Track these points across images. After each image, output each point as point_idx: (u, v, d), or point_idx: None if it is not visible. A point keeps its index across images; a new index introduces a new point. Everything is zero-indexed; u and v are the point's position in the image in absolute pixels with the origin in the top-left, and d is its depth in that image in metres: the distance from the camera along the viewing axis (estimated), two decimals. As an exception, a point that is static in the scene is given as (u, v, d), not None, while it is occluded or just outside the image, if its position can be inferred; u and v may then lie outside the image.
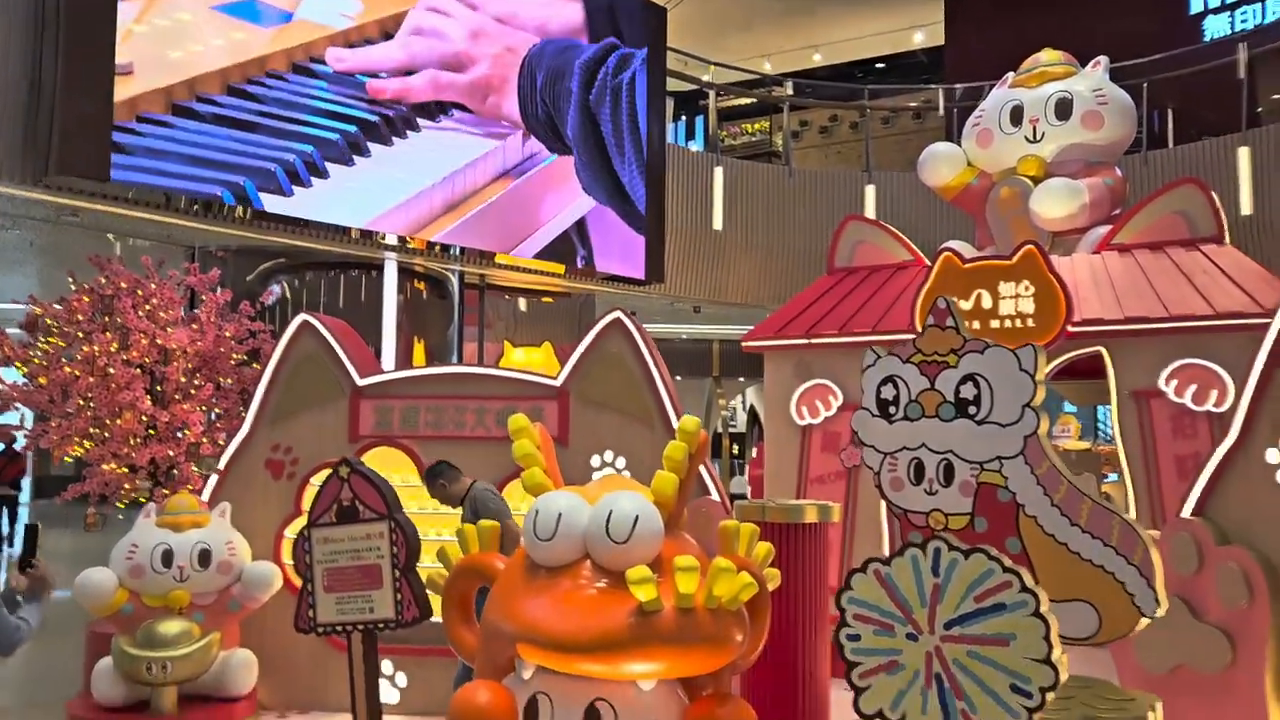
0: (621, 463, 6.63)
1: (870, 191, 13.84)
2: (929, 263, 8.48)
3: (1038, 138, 8.75)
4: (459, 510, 5.59)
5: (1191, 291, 6.95)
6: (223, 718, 6.00)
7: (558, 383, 6.74)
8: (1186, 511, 5.10)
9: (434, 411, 6.82)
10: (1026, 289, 7.20)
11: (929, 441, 3.74)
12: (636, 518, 3.11)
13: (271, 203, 9.29)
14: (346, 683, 6.54)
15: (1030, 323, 7.19)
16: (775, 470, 8.24)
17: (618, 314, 6.75)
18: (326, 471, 6.41)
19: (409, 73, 10.60)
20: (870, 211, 13.83)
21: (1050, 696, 2.36)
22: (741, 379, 19.25)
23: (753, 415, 21.33)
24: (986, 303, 7.35)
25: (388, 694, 6.63)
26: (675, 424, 6.63)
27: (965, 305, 7.43)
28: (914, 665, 2.52)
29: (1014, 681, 2.39)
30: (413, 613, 3.68)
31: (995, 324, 7.32)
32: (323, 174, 9.64)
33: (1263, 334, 6.59)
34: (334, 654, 6.66)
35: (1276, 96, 16.10)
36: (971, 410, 3.64)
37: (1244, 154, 11.56)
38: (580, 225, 11.63)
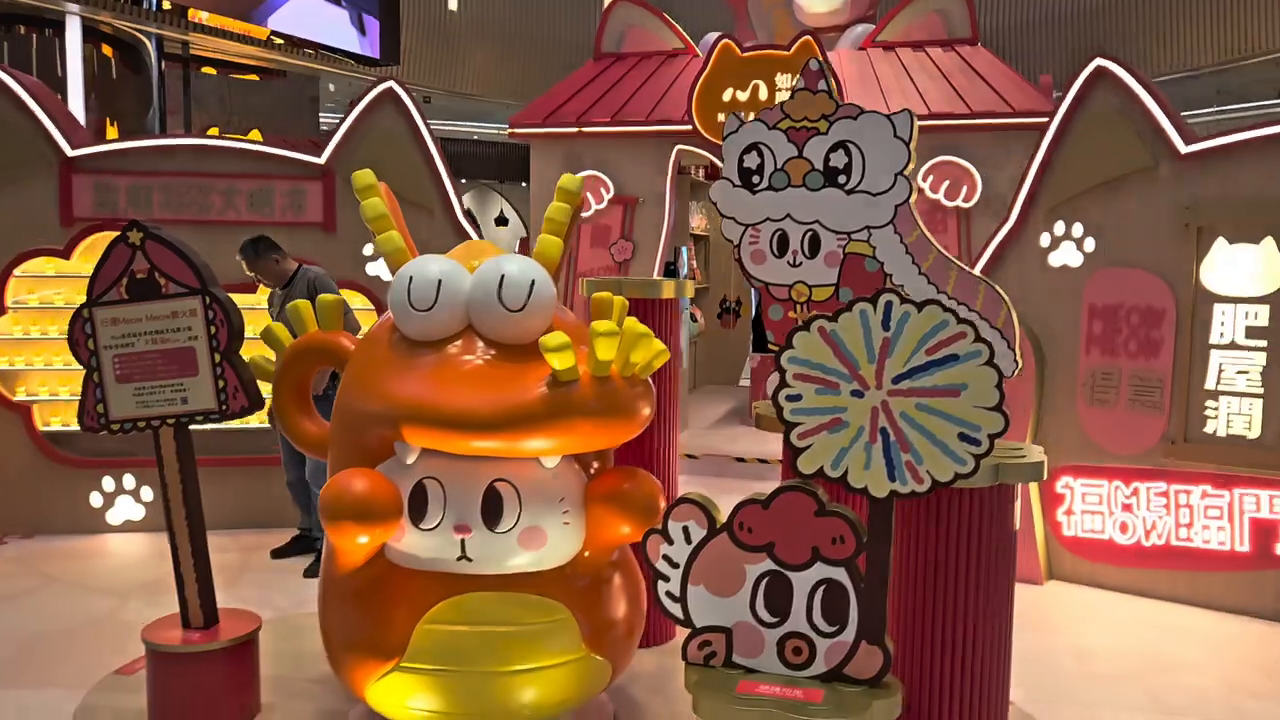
0: (398, 251, 6.08)
1: (609, -18, 13.25)
2: (699, 51, 8.31)
3: (803, -71, 8.65)
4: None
5: (950, 90, 7.27)
6: (-71, 548, 5.10)
7: (321, 160, 5.97)
8: (962, 293, 5.43)
9: (171, 190, 5.84)
10: (801, 81, 7.22)
11: (794, 212, 3.62)
12: (533, 282, 2.76)
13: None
14: (72, 501, 5.80)
15: (804, 116, 7.27)
16: (542, 265, 7.96)
17: (391, 84, 6.02)
18: (46, 262, 5.45)
19: None
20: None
21: (998, 443, 2.39)
22: (463, 180, 18.41)
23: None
24: (763, 94, 7.33)
25: (131, 510, 5.94)
26: (458, 210, 6.17)
27: (743, 96, 7.37)
28: (858, 422, 2.44)
29: (963, 430, 2.38)
30: (241, 401, 3.13)
31: (770, 116, 7.32)
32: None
33: (1013, 131, 7.09)
34: (58, 469, 5.81)
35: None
36: (841, 179, 3.54)
37: None
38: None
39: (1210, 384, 4.78)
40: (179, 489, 3.11)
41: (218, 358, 3.07)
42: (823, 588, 2.51)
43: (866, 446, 2.46)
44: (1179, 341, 4.83)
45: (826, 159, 3.55)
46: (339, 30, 10.20)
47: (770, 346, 3.84)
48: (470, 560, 2.72)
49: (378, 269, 6.05)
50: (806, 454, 2.50)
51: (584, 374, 2.61)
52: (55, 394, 5.92)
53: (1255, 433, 4.68)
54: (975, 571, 2.79)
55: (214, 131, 11.08)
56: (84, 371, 3.12)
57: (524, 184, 16.37)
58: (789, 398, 2.51)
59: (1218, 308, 4.76)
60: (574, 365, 2.57)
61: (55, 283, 5.94)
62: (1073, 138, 5.11)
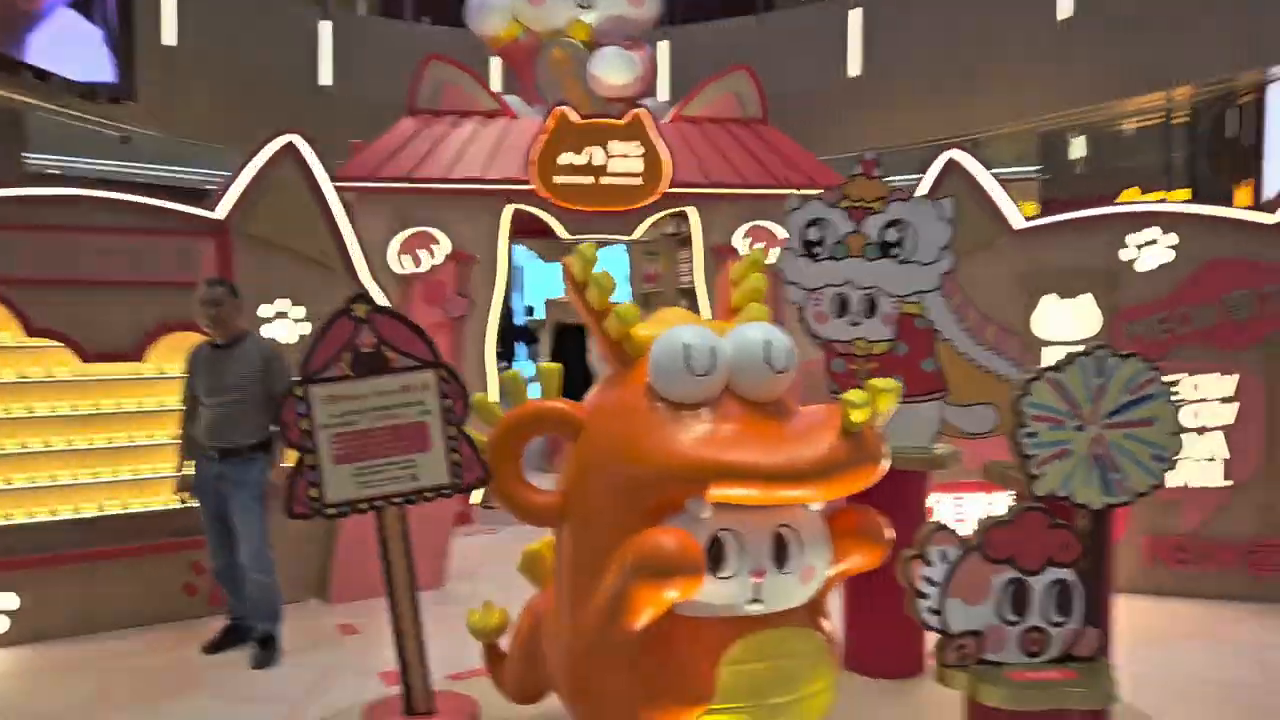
0: (300, 313, 5.75)
1: (325, 28, 12.93)
2: (516, 112, 8.62)
3: (588, 4, 9.29)
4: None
5: (754, 162, 8.26)
6: None
7: (217, 215, 5.51)
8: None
9: (37, 247, 5.08)
10: (636, 149, 7.86)
11: (854, 278, 4.23)
12: (789, 345, 3.10)
13: None
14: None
15: (638, 181, 7.89)
16: (372, 321, 7.74)
17: (292, 138, 5.71)
18: None
19: None
20: (327, 49, 12.97)
21: (1178, 459, 3.16)
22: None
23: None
24: (598, 159, 7.84)
25: (-10, 623, 5.01)
26: (360, 268, 5.99)
27: (579, 160, 7.82)
28: (1081, 450, 3.10)
29: (1156, 451, 3.12)
30: (475, 473, 3.01)
31: (606, 180, 7.87)
32: None
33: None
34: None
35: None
36: (894, 251, 4.21)
37: (855, 16, 12.73)
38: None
39: (1047, 409, 6.06)
40: (404, 571, 2.98)
41: (453, 431, 3.01)
42: (1055, 587, 3.12)
43: (1087, 470, 3.13)
44: (1022, 377, 6.07)
45: (882, 234, 4.21)
46: (93, 52, 9.03)
47: (833, 394, 4.39)
48: (760, 602, 2.97)
49: (273, 330, 5.68)
50: (1042, 479, 3.12)
51: (863, 425, 3.00)
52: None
53: (1081, 445, 6.02)
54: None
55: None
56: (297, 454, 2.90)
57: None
58: (1027, 435, 3.11)
59: (1046, 350, 6.07)
60: (867, 418, 2.96)
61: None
62: (931, 213, 6.21)
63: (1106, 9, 10.41)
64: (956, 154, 6.17)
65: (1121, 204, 5.86)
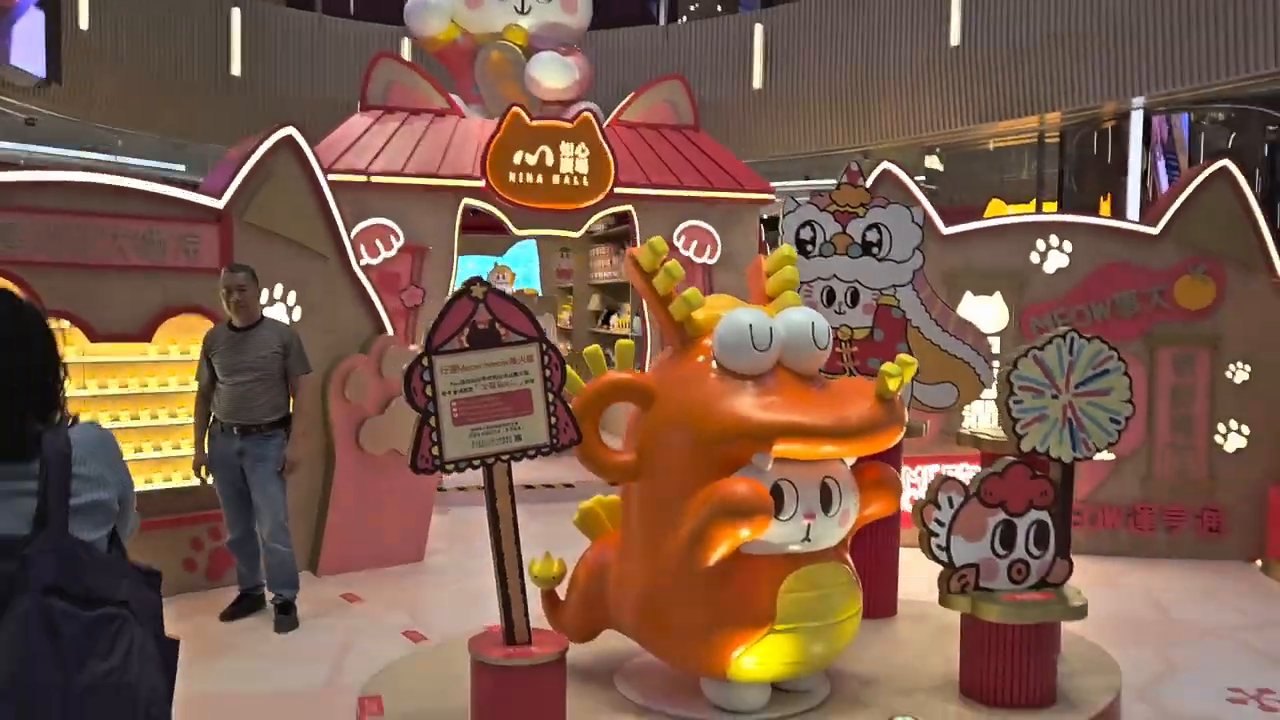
0: (293, 298, 6.01)
1: (236, 14, 12.84)
2: (465, 112, 8.97)
3: (525, 9, 9.71)
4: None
5: (690, 168, 8.86)
6: None
7: (219, 204, 5.72)
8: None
9: (46, 232, 5.19)
10: (583, 150, 8.36)
11: (839, 273, 4.87)
12: (828, 327, 3.70)
13: None
14: None
15: (585, 182, 8.39)
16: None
17: (290, 130, 5.96)
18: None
19: None
20: (237, 38, 12.88)
21: (1127, 422, 3.91)
22: None
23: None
24: (549, 159, 8.30)
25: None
26: (351, 257, 6.28)
27: (531, 159, 8.26)
28: (1055, 415, 3.80)
29: (1112, 415, 3.87)
30: (570, 435, 3.44)
31: (556, 179, 8.33)
32: None
33: (741, 206, 8.89)
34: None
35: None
36: (874, 250, 4.88)
37: (758, 31, 13.44)
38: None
39: (967, 393, 6.90)
40: (510, 518, 3.42)
41: (551, 397, 3.46)
42: (1034, 526, 3.83)
43: (1059, 430, 3.84)
44: (945, 364, 6.88)
45: (864, 235, 4.86)
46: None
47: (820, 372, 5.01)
48: (810, 541, 3.55)
49: (272, 314, 5.92)
50: (1026, 438, 3.82)
51: (892, 391, 3.64)
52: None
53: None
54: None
55: None
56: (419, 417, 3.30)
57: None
58: (1015, 402, 3.80)
59: (966, 340, 6.90)
60: (900, 386, 3.59)
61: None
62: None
63: (991, 41, 11.52)
64: (889, 165, 6.94)
65: (1029, 215, 6.73)
